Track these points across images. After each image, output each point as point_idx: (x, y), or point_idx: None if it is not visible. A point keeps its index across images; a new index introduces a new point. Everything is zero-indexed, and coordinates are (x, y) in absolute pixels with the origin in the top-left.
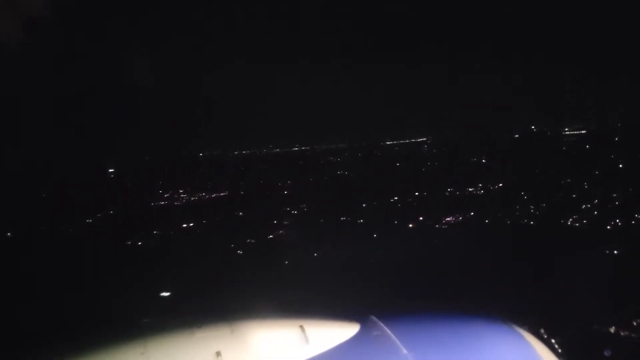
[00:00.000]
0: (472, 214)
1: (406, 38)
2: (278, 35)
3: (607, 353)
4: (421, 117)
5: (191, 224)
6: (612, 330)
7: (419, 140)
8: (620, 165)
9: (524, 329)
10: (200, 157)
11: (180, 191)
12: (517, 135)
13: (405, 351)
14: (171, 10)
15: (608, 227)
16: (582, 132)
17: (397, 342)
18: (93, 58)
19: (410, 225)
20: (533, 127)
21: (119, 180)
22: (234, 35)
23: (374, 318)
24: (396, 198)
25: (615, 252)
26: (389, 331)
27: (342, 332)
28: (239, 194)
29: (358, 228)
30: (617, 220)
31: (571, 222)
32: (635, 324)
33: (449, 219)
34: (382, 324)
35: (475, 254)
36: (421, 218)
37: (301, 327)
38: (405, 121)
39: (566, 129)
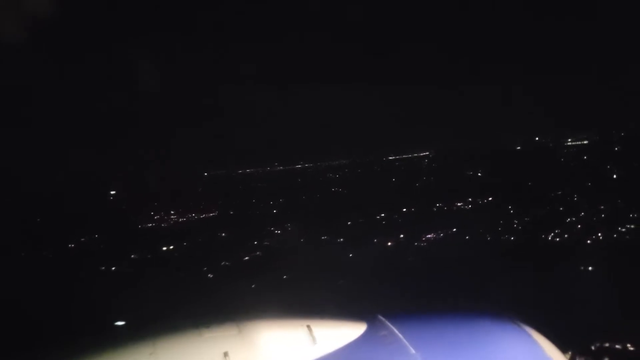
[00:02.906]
0: (454, 230)
1: (410, 50)
2: (283, 52)
3: None
4: (424, 131)
5: (171, 247)
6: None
7: (421, 154)
8: (615, 176)
9: (532, 327)
10: (204, 177)
11: (172, 212)
12: (518, 147)
13: (412, 350)
14: (180, 23)
15: (589, 241)
16: (584, 142)
17: (405, 341)
18: (98, 69)
19: (389, 243)
20: (537, 138)
21: (115, 201)
22: (238, 52)
23: (381, 318)
24: (383, 215)
25: (590, 268)
26: (396, 331)
27: (349, 332)
28: (228, 214)
29: (336, 247)
30: (599, 234)
31: (552, 236)
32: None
33: (429, 236)
34: (389, 324)
35: (448, 270)
36: (402, 235)
37: (308, 327)
38: (409, 135)
39: (569, 140)
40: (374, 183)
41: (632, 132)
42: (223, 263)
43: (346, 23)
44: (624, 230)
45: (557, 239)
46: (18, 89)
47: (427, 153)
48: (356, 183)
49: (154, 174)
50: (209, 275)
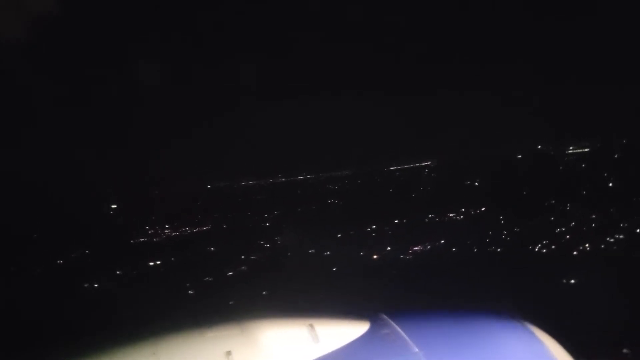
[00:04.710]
0: (442, 241)
1: (410, 57)
2: (283, 63)
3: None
4: (426, 140)
5: (158, 262)
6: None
7: (422, 164)
8: (610, 185)
9: (536, 326)
10: (207, 189)
11: (166, 226)
12: (519, 156)
13: (415, 349)
14: (183, 26)
15: (575, 252)
16: (586, 150)
17: (408, 339)
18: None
19: (375, 257)
20: (539, 146)
21: (114, 215)
22: (240, 64)
23: (384, 316)
24: (374, 227)
25: (573, 281)
26: (399, 329)
27: (352, 330)
28: (222, 228)
29: (322, 260)
30: (587, 245)
31: (539, 248)
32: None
33: (416, 248)
34: (392, 322)
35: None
36: (389, 248)
37: (311, 325)
38: (411, 144)
39: (571, 147)
40: (371, 194)
41: (632, 137)
42: (206, 278)
43: (346, 24)
44: (612, 240)
45: (544, 250)
46: (15, 89)
47: (428, 163)
48: (354, 194)
49: (150, 185)
50: (189, 292)
